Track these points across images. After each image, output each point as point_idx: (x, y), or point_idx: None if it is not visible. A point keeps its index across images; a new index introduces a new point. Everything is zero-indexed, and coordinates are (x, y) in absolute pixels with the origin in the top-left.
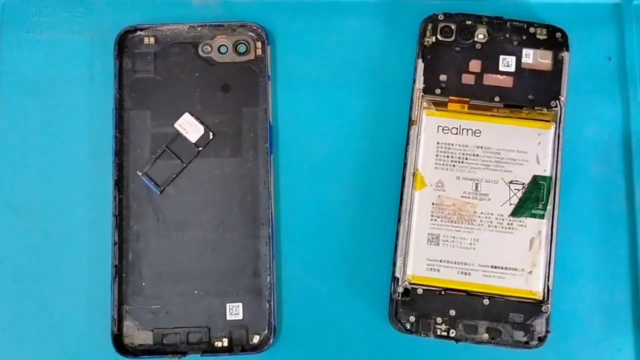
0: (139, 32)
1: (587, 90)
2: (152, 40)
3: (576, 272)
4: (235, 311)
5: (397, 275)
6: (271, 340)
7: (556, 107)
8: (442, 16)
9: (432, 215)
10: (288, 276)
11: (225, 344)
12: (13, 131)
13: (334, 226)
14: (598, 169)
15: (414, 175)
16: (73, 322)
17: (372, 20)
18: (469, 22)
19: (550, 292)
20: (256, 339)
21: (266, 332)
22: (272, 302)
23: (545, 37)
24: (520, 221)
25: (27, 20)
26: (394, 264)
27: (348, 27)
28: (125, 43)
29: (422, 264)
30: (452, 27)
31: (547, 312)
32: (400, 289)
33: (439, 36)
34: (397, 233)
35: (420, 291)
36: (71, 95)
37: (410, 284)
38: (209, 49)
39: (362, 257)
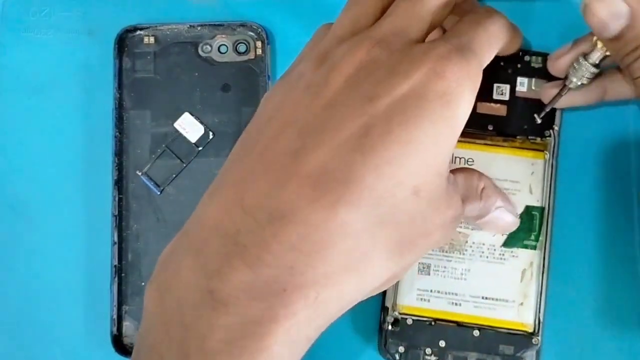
0: (138, 32)
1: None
2: (151, 39)
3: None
4: None
5: (387, 304)
6: None
7: (550, 136)
8: None
9: None
10: None
11: None
12: (12, 131)
13: None
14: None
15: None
16: (72, 322)
17: None
18: None
19: (541, 324)
20: None
21: None
22: None
23: (540, 65)
24: (511, 252)
25: (26, 19)
26: (384, 293)
27: None
28: (125, 43)
29: (412, 294)
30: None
31: (537, 345)
32: (390, 319)
33: None
34: None
35: (410, 321)
36: (70, 94)
37: (400, 313)
38: (209, 48)
39: None
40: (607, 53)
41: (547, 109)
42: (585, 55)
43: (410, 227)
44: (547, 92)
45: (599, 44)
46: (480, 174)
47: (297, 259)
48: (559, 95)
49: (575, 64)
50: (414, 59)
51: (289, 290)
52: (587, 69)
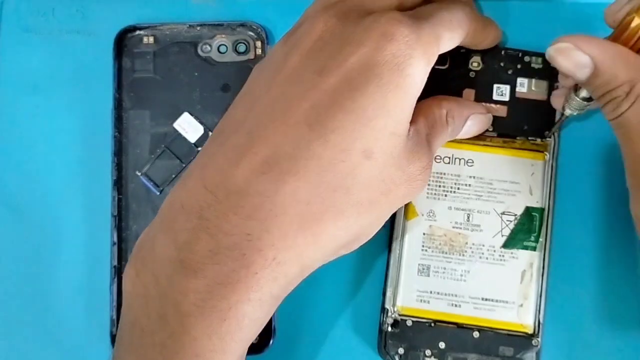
0: (138, 32)
1: None
2: (151, 39)
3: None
4: None
5: (386, 306)
6: (271, 341)
7: (550, 137)
8: None
9: (423, 246)
10: None
11: None
12: (12, 130)
13: None
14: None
15: (405, 204)
16: (72, 322)
17: None
18: (463, 50)
19: (541, 326)
20: (256, 340)
21: (265, 333)
22: None
23: (540, 66)
24: (511, 253)
25: (26, 19)
26: (384, 295)
27: None
28: (124, 42)
29: (412, 295)
30: (446, 55)
31: (537, 346)
32: (390, 320)
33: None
34: (388, 263)
35: (409, 323)
36: (70, 94)
37: (399, 315)
38: (209, 48)
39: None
40: None
41: (555, 130)
42: (575, 90)
43: (367, 188)
44: (555, 100)
45: None
46: (441, 100)
47: (253, 226)
48: (560, 122)
49: (568, 97)
50: (367, 27)
51: (247, 254)
52: (578, 103)
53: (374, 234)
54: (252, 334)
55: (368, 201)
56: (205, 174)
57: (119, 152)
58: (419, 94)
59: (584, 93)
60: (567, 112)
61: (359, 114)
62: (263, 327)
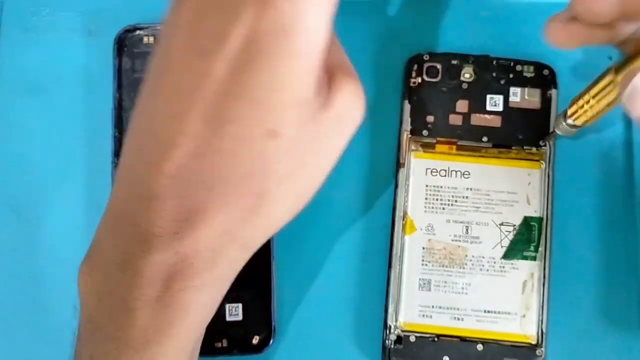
0: (138, 32)
1: None
2: (151, 39)
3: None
4: (234, 312)
5: (389, 322)
6: (271, 341)
7: (545, 146)
8: (428, 56)
9: (422, 260)
10: (288, 276)
11: (225, 344)
12: (11, 131)
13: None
14: (599, 174)
15: (403, 219)
16: (72, 322)
17: (370, 23)
18: (455, 62)
19: (544, 335)
20: (256, 340)
21: (265, 333)
22: (272, 303)
23: (532, 74)
24: (512, 264)
25: (26, 19)
26: (386, 311)
27: (348, 28)
28: (124, 42)
29: (414, 311)
30: (438, 67)
31: (541, 356)
32: (393, 337)
33: (425, 76)
34: (388, 279)
35: (412, 338)
36: (70, 94)
37: (402, 331)
38: None
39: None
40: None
41: (550, 139)
42: (564, 115)
43: (287, 161)
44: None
45: (578, 121)
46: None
47: (179, 226)
48: (553, 135)
49: (557, 120)
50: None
51: (180, 250)
52: (565, 129)
53: (318, 186)
54: (204, 316)
55: (293, 170)
56: (133, 181)
57: (119, 152)
58: (321, 47)
59: (570, 121)
60: (557, 131)
61: (250, 97)
62: (218, 304)
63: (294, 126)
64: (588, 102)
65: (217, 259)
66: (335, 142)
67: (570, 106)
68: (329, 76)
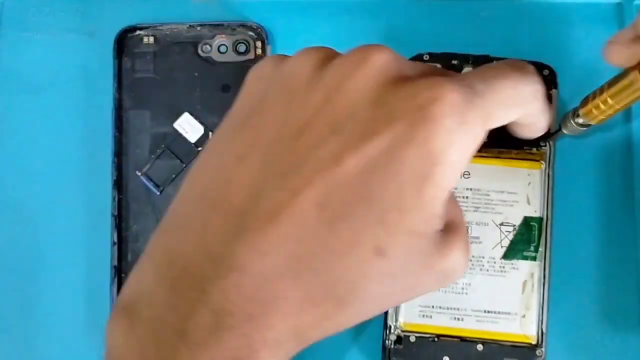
0: (138, 32)
1: (588, 91)
2: (151, 39)
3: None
4: None
5: (389, 322)
6: None
7: (545, 146)
8: (428, 56)
9: None
10: None
11: None
12: (11, 131)
13: None
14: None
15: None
16: (72, 323)
17: (371, 23)
18: (455, 62)
19: (544, 336)
20: None
21: None
22: None
23: None
24: (512, 264)
25: (26, 19)
26: (386, 311)
27: (348, 28)
28: (124, 42)
29: (414, 311)
30: (438, 66)
31: (541, 356)
32: (393, 337)
33: None
34: None
35: (413, 338)
36: (70, 95)
37: (402, 331)
38: (209, 48)
39: None
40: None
41: (551, 140)
42: (574, 114)
43: (379, 285)
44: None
45: (592, 120)
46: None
47: (254, 308)
48: (556, 135)
49: (565, 119)
50: (402, 97)
51: (249, 334)
52: (573, 127)
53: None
54: None
55: (378, 296)
56: (207, 240)
57: (119, 152)
58: (453, 184)
59: (581, 120)
60: (564, 132)
61: (372, 204)
62: None
63: (402, 254)
64: (605, 101)
65: (277, 351)
66: (427, 289)
67: (583, 106)
68: (445, 228)
